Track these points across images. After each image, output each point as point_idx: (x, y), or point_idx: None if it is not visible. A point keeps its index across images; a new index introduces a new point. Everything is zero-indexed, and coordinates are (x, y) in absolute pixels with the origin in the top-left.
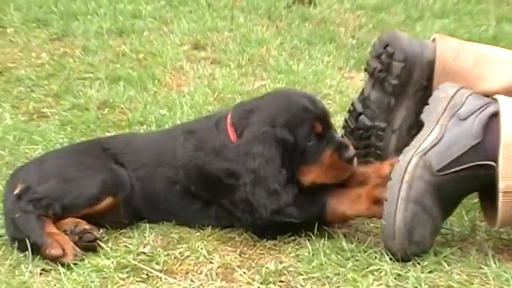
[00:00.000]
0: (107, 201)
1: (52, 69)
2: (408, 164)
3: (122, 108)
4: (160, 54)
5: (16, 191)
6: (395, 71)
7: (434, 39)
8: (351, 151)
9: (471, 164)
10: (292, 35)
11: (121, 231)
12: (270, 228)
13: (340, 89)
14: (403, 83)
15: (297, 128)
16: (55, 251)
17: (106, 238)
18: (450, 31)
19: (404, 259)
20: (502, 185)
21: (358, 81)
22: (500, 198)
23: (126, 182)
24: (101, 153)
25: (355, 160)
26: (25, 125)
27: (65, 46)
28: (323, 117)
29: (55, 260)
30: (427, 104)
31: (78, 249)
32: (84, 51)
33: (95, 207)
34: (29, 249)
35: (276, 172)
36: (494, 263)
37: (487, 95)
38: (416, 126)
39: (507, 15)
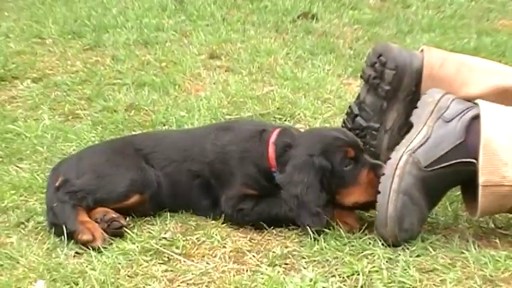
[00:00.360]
0: (135, 198)
1: (85, 76)
2: (399, 160)
3: (146, 110)
4: (181, 62)
5: (56, 183)
6: (387, 78)
7: (422, 50)
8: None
9: (454, 161)
10: (297, 46)
11: (145, 219)
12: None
13: (339, 94)
14: (395, 88)
15: (332, 155)
16: (86, 237)
17: (132, 225)
18: (436, 43)
19: (395, 244)
20: (481, 180)
21: (355, 87)
22: (480, 191)
23: (153, 181)
24: (133, 152)
25: None
26: (61, 125)
27: (97, 55)
28: (354, 144)
29: (86, 244)
30: (416, 107)
31: (106, 235)
32: (113, 60)
33: (123, 203)
34: (65, 234)
35: (316, 196)
36: (475, 248)
37: (469, 99)
38: (406, 126)
39: (486, 29)
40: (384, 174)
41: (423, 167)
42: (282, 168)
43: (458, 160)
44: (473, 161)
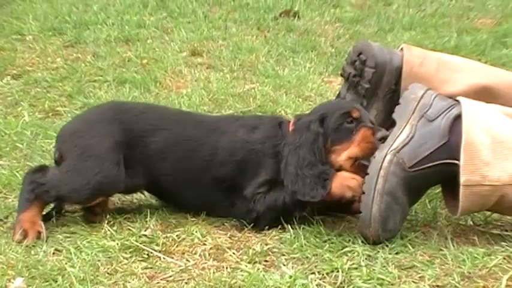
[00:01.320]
0: (98, 199)
1: (66, 73)
2: (383, 160)
3: None
4: (162, 60)
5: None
6: (367, 76)
7: (401, 49)
8: (384, 132)
9: (438, 162)
10: (278, 44)
11: (125, 216)
12: (268, 218)
13: (320, 91)
14: (374, 86)
15: (332, 115)
16: (18, 237)
17: (112, 222)
18: (417, 41)
19: (375, 243)
20: (462, 179)
21: (336, 85)
22: (461, 190)
23: (122, 183)
24: (120, 140)
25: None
26: (41, 121)
27: (78, 52)
28: (361, 110)
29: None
30: (398, 103)
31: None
32: (94, 56)
33: (84, 204)
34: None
35: (300, 158)
36: (453, 245)
37: (449, 96)
38: (385, 124)
39: (466, 28)
40: (368, 174)
41: (407, 168)
42: None
43: (442, 161)
44: (456, 162)
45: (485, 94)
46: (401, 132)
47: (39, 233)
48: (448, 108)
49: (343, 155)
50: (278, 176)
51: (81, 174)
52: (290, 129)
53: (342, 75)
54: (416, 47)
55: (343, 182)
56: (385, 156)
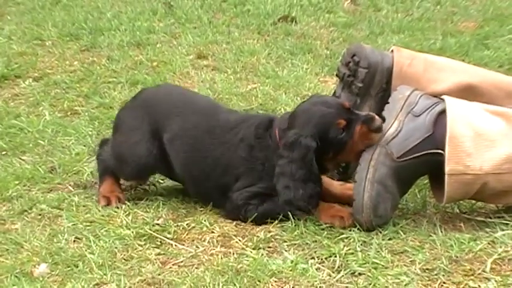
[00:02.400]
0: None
1: (83, 75)
2: (374, 152)
3: None
4: (171, 62)
5: None
6: (360, 76)
7: (392, 50)
8: (378, 120)
9: (424, 152)
10: (277, 47)
11: (139, 206)
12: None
13: (317, 90)
14: (367, 85)
15: (324, 133)
16: (102, 203)
17: (127, 212)
18: (405, 44)
19: (369, 229)
20: (447, 169)
21: (331, 84)
22: (446, 179)
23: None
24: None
25: (382, 126)
26: (61, 120)
27: (93, 56)
28: (342, 111)
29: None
30: (387, 102)
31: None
32: (108, 60)
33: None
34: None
35: (293, 172)
36: (441, 231)
37: (435, 95)
38: None
39: (451, 31)
40: (360, 164)
41: (396, 158)
42: None
43: (428, 151)
44: (441, 151)
45: (469, 92)
46: (390, 127)
47: (119, 198)
48: (433, 105)
49: (348, 157)
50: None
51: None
52: (277, 137)
53: (337, 75)
54: (405, 49)
55: (335, 213)
56: (375, 149)
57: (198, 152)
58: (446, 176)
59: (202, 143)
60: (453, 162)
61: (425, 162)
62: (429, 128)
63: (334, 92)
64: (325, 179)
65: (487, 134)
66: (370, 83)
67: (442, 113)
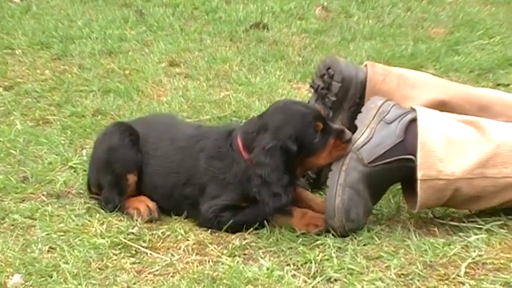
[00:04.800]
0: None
1: (54, 84)
2: (345, 158)
3: (112, 115)
4: (143, 70)
5: None
6: (334, 90)
7: (365, 65)
8: (348, 133)
9: (395, 158)
10: (250, 54)
11: (113, 215)
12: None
13: (290, 97)
14: (340, 99)
15: (302, 134)
16: None
17: (101, 221)
18: (377, 50)
19: (343, 234)
20: (419, 174)
21: (303, 91)
22: (419, 185)
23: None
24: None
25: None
26: (33, 129)
27: (64, 64)
28: (320, 116)
29: None
30: (360, 112)
31: None
32: (80, 68)
33: None
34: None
35: (279, 177)
36: (416, 236)
37: None
38: None
39: (421, 37)
40: (331, 170)
41: (366, 163)
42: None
43: (398, 157)
44: (412, 157)
45: (442, 108)
46: (361, 135)
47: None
48: (405, 113)
49: (316, 164)
50: (240, 195)
51: None
52: (240, 146)
53: (311, 86)
54: (379, 64)
55: (310, 221)
56: (346, 155)
57: (163, 160)
58: (418, 182)
59: (166, 151)
60: (425, 167)
61: (397, 168)
62: (400, 134)
63: (308, 102)
64: (302, 191)
65: (458, 141)
66: (344, 97)
67: (414, 121)
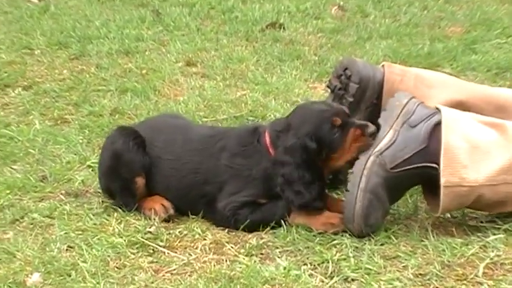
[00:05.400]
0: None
1: (72, 83)
2: (367, 161)
3: (129, 114)
4: (160, 70)
5: None
6: (351, 91)
7: (383, 66)
8: (372, 127)
9: (417, 165)
10: (266, 54)
11: (131, 214)
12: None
13: (306, 96)
14: (357, 100)
15: (319, 130)
16: None
17: (119, 220)
18: (393, 49)
19: (360, 236)
20: (443, 181)
21: (320, 90)
22: (442, 191)
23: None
24: None
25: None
26: (51, 129)
27: (82, 64)
28: (340, 112)
29: None
30: (384, 109)
31: None
32: (98, 68)
33: None
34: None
35: (301, 176)
36: (433, 236)
37: None
38: None
39: (438, 36)
40: (352, 172)
41: (389, 169)
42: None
43: (421, 164)
44: (435, 165)
45: (459, 108)
46: (385, 135)
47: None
48: (429, 116)
49: (341, 161)
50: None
51: None
52: (267, 142)
53: (328, 86)
54: (396, 65)
55: (326, 220)
56: (368, 158)
57: (177, 163)
58: (442, 188)
59: (179, 154)
60: (448, 174)
61: (418, 174)
62: (424, 140)
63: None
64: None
65: (482, 146)
66: (361, 98)
67: (438, 124)
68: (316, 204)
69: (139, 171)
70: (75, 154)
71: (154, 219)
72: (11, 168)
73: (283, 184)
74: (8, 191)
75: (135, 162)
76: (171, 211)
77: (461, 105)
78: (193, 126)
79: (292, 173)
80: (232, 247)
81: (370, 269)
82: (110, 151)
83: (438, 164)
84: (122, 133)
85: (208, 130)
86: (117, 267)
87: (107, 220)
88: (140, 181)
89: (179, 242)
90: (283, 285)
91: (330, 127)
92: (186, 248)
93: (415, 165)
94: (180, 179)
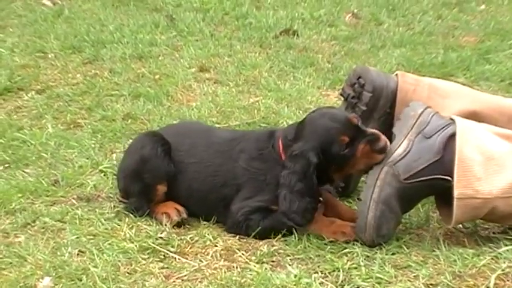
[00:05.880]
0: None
1: (85, 88)
2: (380, 171)
3: (142, 119)
4: (173, 75)
5: None
6: (364, 99)
7: (396, 75)
8: (382, 141)
9: (431, 177)
10: (279, 60)
11: (143, 220)
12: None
13: (319, 104)
14: (371, 109)
15: (326, 147)
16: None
17: (131, 226)
18: (407, 58)
19: (371, 246)
20: (456, 193)
21: (333, 98)
22: (455, 203)
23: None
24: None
25: (388, 146)
26: (64, 133)
27: (96, 68)
28: (347, 128)
29: None
30: (399, 119)
31: None
32: (111, 72)
33: None
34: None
35: (292, 184)
36: (445, 246)
37: None
38: None
39: (452, 45)
40: (366, 183)
41: (402, 179)
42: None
43: (435, 176)
44: (448, 178)
45: (473, 118)
46: (399, 146)
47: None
48: (444, 127)
49: (351, 171)
50: (267, 196)
51: None
52: (281, 148)
53: (341, 94)
54: (410, 74)
55: (337, 229)
56: (382, 168)
57: (199, 165)
58: (455, 200)
59: (202, 157)
60: (462, 186)
61: (432, 186)
62: (439, 151)
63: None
64: (331, 198)
65: (496, 158)
66: (374, 107)
67: (453, 135)
68: (295, 217)
69: (162, 179)
70: (88, 158)
71: (165, 224)
72: (23, 171)
73: (280, 186)
74: (20, 195)
75: (160, 170)
76: (184, 215)
77: (474, 116)
78: (215, 130)
79: (287, 177)
80: (243, 254)
81: (381, 278)
82: (138, 155)
83: (452, 177)
84: (152, 139)
85: (230, 133)
86: (128, 273)
87: (118, 225)
88: (161, 189)
89: (190, 248)
90: None
91: (338, 145)
92: (197, 254)
93: (429, 177)
94: (202, 182)
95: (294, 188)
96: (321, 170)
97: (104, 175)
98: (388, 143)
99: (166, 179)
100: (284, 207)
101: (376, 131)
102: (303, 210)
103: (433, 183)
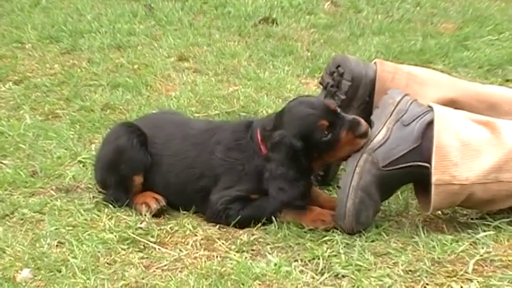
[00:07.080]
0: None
1: (63, 78)
2: (359, 158)
3: (121, 109)
4: (152, 65)
5: None
6: (343, 88)
7: (375, 63)
8: (364, 126)
9: (410, 164)
10: (258, 49)
11: (122, 210)
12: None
13: (299, 92)
14: (350, 98)
15: (307, 133)
16: None
17: (110, 216)
18: (386, 45)
19: (351, 233)
20: (434, 179)
21: (312, 86)
22: (433, 189)
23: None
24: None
25: (369, 131)
26: (42, 123)
27: (74, 59)
28: (326, 113)
29: None
30: (377, 107)
31: None
32: (89, 62)
33: None
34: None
35: (284, 173)
36: (424, 233)
37: None
38: None
39: (430, 32)
40: (345, 170)
41: (381, 167)
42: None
43: (414, 163)
44: (427, 165)
45: (451, 106)
46: (378, 133)
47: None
48: (422, 114)
49: (332, 159)
50: (252, 187)
51: None
52: (259, 139)
53: (320, 83)
54: (388, 62)
55: (317, 217)
56: (361, 155)
57: (175, 158)
58: (432, 186)
59: (178, 149)
60: (440, 172)
61: (410, 173)
62: (417, 139)
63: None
64: (315, 190)
65: (473, 144)
66: (353, 96)
67: (431, 123)
68: (298, 202)
69: (139, 170)
70: (66, 149)
71: (145, 214)
72: (1, 163)
73: (268, 179)
74: None
75: (136, 161)
76: (163, 202)
77: (453, 103)
78: (191, 121)
79: (277, 169)
80: (223, 243)
81: (360, 266)
82: (113, 146)
83: (430, 163)
84: (127, 129)
85: (205, 124)
86: (107, 263)
87: (98, 216)
88: (138, 180)
89: (170, 238)
90: (274, 281)
91: (319, 131)
92: (177, 244)
93: (408, 164)
94: (178, 175)
95: (287, 177)
96: (303, 160)
97: (83, 166)
98: (369, 128)
99: (143, 169)
100: (283, 198)
101: (356, 116)
102: (301, 194)
103: (412, 171)
